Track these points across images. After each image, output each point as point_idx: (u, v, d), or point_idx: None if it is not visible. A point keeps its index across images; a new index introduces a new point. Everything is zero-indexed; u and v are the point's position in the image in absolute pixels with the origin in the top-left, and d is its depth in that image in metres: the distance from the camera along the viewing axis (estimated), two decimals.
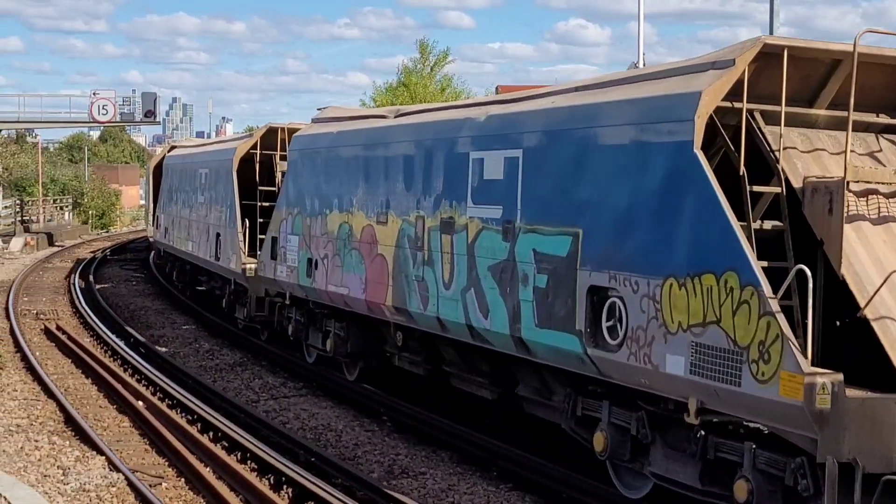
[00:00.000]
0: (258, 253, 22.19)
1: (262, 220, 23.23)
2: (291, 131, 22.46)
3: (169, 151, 37.85)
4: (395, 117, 16.70)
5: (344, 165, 17.39)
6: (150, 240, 40.66)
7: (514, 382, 14.07)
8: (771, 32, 30.40)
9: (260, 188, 24.37)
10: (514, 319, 12.41)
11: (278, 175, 23.24)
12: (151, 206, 39.63)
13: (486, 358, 14.28)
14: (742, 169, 10.16)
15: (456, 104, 15.91)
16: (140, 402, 16.88)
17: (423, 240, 14.55)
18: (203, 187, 28.28)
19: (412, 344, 16.30)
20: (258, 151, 24.77)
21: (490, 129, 13.38)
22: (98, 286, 34.85)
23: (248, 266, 22.82)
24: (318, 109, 20.98)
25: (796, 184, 10.24)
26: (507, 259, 12.51)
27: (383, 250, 15.69)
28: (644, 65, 32.64)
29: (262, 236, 21.96)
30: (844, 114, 9.94)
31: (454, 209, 13.76)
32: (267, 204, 23.33)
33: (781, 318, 9.10)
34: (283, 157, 23.08)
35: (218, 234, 25.76)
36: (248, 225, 23.75)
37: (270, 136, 24.60)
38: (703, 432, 10.35)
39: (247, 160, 24.78)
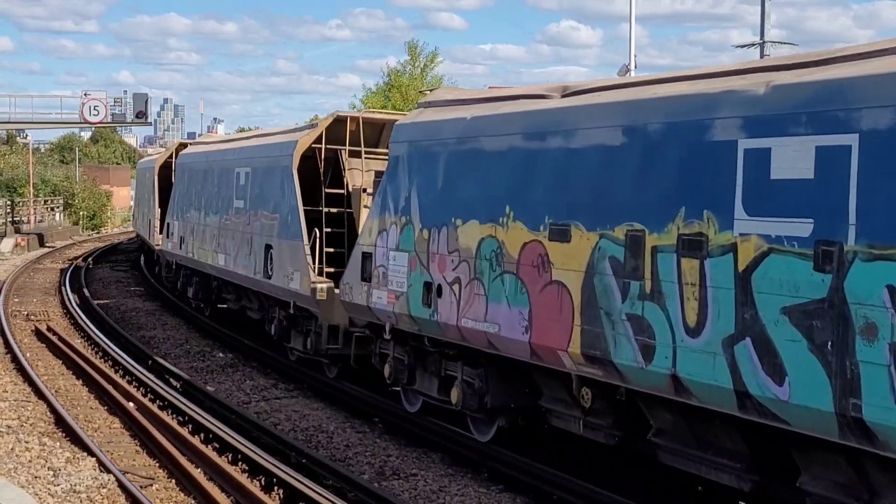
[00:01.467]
0: (326, 270, 19.34)
1: (329, 230, 19.76)
2: (368, 122, 20.30)
3: (179, 149, 33.93)
4: (565, 96, 12.75)
5: (488, 161, 13.29)
6: (157, 249, 35.07)
7: (792, 470, 9.97)
8: (762, 35, 30.47)
9: (326, 191, 20.21)
10: (846, 391, 8.61)
11: (349, 175, 20.10)
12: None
13: (740, 430, 10.32)
14: None
15: (693, 73, 11.30)
16: (131, 404, 16.86)
17: (641, 264, 10.62)
18: (244, 190, 22.84)
19: (601, 405, 12.12)
20: (322, 146, 20.21)
21: (783, 104, 9.44)
22: (89, 286, 34.80)
23: (319, 287, 18.63)
24: (426, 91, 19.88)
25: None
26: (825, 298, 8.77)
27: (562, 276, 11.74)
28: (635, 67, 32.59)
29: (330, 249, 19.58)
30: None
31: (707, 222, 9.88)
32: (335, 210, 20.15)
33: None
34: (353, 153, 20.25)
35: (269, 247, 20.95)
36: (316, 235, 19.38)
37: (337, 127, 20.24)
38: None
39: (307, 156, 20.24)
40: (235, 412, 16.71)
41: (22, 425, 15.71)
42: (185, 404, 16.83)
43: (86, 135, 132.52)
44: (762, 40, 31.38)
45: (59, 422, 16.01)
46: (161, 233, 32.61)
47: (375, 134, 20.53)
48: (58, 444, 14.62)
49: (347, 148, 20.06)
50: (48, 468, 13.22)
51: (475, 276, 13.19)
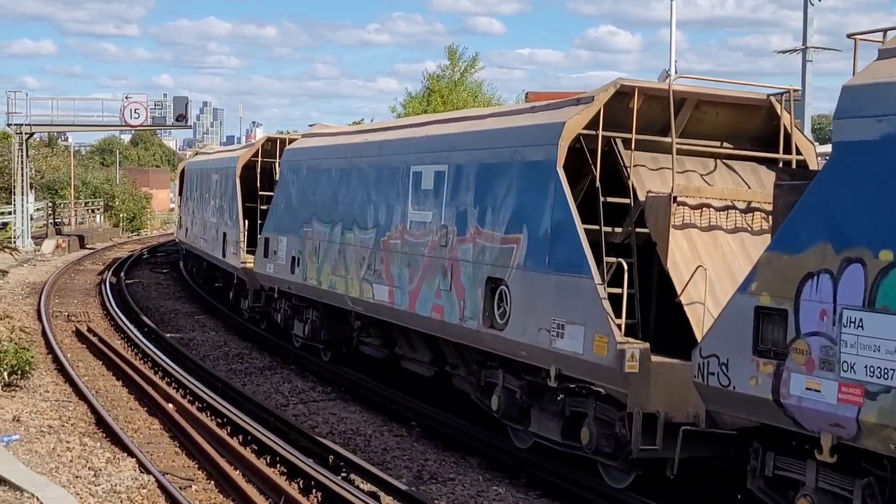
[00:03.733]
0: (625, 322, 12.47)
1: (612, 260, 12.92)
2: (658, 95, 13.30)
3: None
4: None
5: None
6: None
7: None
8: (804, 41, 30.26)
9: (605, 199, 13.06)
10: None
11: (635, 175, 13.17)
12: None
13: None
14: None
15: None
16: (170, 405, 16.97)
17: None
18: (431, 197, 17.56)
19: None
20: (599, 132, 13.17)
21: None
22: (129, 289, 35.06)
23: (628, 350, 11.84)
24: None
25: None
26: None
27: None
28: (675, 72, 32.48)
29: (616, 290, 12.39)
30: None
31: None
32: (617, 230, 13.40)
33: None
34: (634, 144, 13.16)
35: (496, 281, 14.18)
36: (620, 268, 12.94)
37: (615, 105, 13.24)
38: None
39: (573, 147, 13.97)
40: (274, 414, 16.76)
41: (63, 425, 15.84)
42: (223, 406, 16.91)
43: (126, 137, 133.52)
44: (804, 46, 31.15)
45: (100, 422, 16.13)
46: (247, 251, 26.63)
47: (667, 114, 13.08)
48: (98, 444, 14.73)
49: (634, 136, 13.09)
50: (89, 468, 13.33)
51: None
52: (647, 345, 11.74)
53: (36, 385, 18.57)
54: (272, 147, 26.90)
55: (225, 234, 28.52)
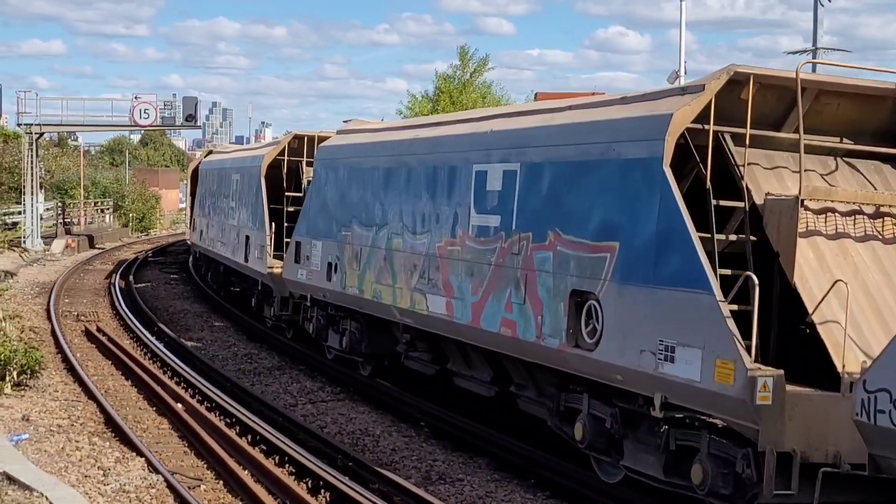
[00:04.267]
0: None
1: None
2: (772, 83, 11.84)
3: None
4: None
5: None
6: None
7: None
8: (814, 42, 30.21)
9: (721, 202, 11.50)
10: None
11: (749, 175, 11.66)
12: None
13: None
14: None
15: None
16: (179, 405, 16.99)
17: None
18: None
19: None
20: None
21: None
22: (138, 288, 35.11)
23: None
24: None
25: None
26: None
27: None
28: (685, 73, 32.39)
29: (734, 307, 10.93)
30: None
31: None
32: (732, 238, 11.80)
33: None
34: (736, 138, 11.78)
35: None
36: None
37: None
38: None
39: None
40: (282, 414, 16.78)
41: (72, 425, 15.87)
42: (232, 406, 16.93)
43: (135, 138, 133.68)
44: (814, 47, 31.12)
45: (109, 422, 16.16)
46: (273, 255, 24.81)
47: (781, 105, 11.92)
48: (107, 443, 14.76)
49: (749, 131, 11.48)
50: (98, 468, 13.35)
51: None
52: (782, 372, 10.03)
53: (45, 385, 18.61)
54: (299, 145, 25.43)
55: (248, 238, 26.50)
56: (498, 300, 13.85)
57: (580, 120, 13.05)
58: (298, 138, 25.84)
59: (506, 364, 14.87)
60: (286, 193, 25.54)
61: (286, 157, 25.91)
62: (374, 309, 18.09)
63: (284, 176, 26.00)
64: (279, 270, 23.11)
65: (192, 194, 39.80)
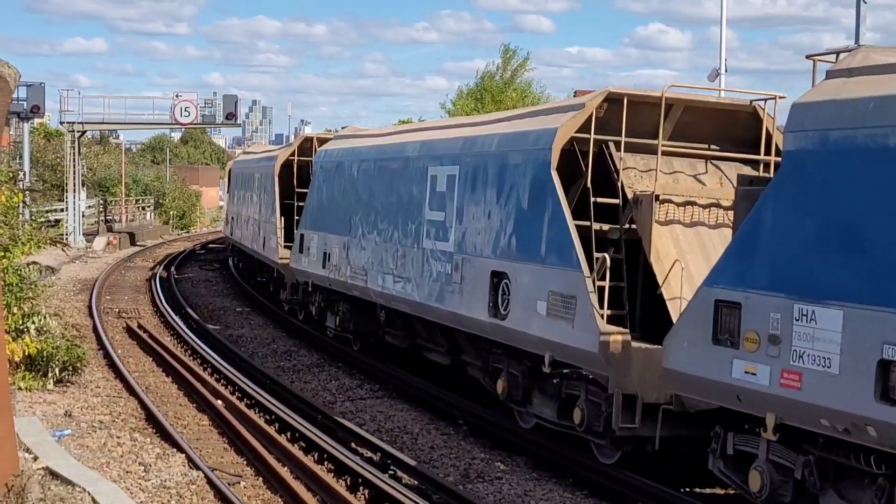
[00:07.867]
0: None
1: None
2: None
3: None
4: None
5: None
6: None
7: None
8: (857, 39, 29.97)
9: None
10: None
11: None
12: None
13: None
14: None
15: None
16: (219, 402, 17.08)
17: None
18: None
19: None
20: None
21: None
22: (178, 286, 35.36)
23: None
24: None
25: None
26: None
27: None
28: (725, 71, 32.19)
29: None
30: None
31: None
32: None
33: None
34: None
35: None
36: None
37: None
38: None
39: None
40: (321, 412, 16.84)
41: (114, 421, 16.01)
42: (272, 403, 17.01)
43: (176, 135, 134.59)
44: (857, 44, 30.82)
45: (150, 418, 16.28)
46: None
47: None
48: (148, 440, 14.87)
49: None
50: (139, 463, 13.46)
51: None
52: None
53: (87, 381, 18.78)
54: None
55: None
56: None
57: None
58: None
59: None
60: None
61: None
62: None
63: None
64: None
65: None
